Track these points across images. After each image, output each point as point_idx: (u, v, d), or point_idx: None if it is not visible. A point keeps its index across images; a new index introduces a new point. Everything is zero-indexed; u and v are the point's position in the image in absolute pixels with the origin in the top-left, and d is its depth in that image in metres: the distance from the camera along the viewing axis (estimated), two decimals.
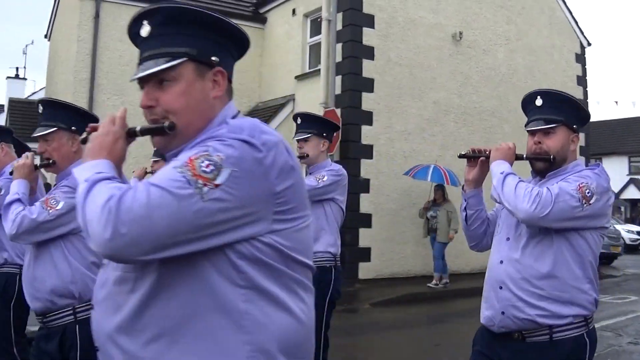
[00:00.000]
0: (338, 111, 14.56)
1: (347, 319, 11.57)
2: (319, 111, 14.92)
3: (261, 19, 19.18)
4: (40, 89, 32.37)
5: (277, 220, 1.89)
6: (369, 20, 15.53)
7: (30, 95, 32.71)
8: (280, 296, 1.90)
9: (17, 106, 20.28)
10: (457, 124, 16.70)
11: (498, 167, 3.47)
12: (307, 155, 5.58)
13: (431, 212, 14.56)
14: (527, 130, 3.59)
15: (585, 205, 3.21)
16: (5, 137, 5.66)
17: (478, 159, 3.68)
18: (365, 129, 15.21)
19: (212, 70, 2.03)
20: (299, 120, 5.74)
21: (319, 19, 16.04)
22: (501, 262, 3.47)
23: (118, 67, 16.95)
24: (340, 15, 15.47)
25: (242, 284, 1.84)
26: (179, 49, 1.98)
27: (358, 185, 14.87)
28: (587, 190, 3.23)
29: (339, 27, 15.44)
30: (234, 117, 2.04)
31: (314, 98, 15.44)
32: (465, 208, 3.83)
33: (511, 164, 3.50)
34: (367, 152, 15.10)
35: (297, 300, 1.96)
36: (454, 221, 14.02)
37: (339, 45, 15.37)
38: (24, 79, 33.29)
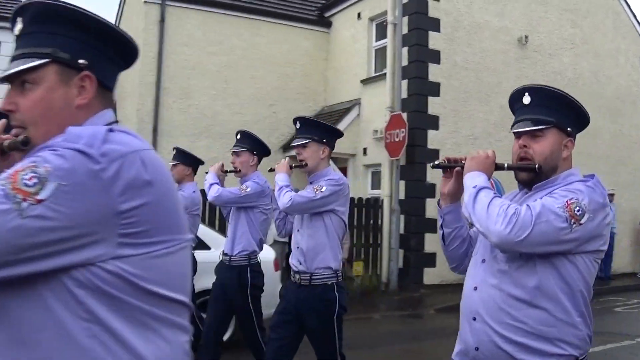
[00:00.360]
0: (404, 115, 14.48)
1: (412, 325, 11.59)
2: (385, 115, 14.94)
3: (326, 23, 19.20)
4: None
5: (123, 245, 1.60)
6: (435, 24, 15.45)
7: None
8: (126, 335, 1.62)
9: None
10: None
11: (471, 179, 2.92)
12: (306, 164, 5.25)
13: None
14: (513, 133, 3.05)
15: (574, 225, 2.68)
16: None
17: (453, 170, 3.15)
18: (431, 133, 15.13)
19: (78, 74, 1.79)
20: (298, 125, 5.38)
21: (384, 23, 16.02)
22: (475, 288, 2.96)
23: (184, 70, 17.14)
24: (405, 19, 15.43)
25: (84, 317, 1.58)
26: (44, 49, 1.76)
27: (424, 190, 14.83)
28: (577, 208, 2.69)
29: (405, 30, 15.39)
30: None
31: (379, 102, 15.44)
32: (441, 226, 3.31)
33: (489, 176, 2.96)
34: (433, 156, 14.87)
35: (154, 340, 1.68)
36: None
37: (405, 49, 15.31)
38: None
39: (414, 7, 15.29)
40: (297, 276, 5.18)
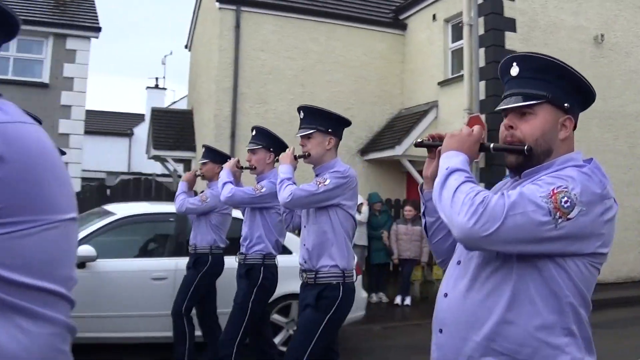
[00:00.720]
0: (483, 117, 14.42)
1: None
2: (463, 117, 14.91)
3: (401, 25, 19.19)
4: (181, 98, 33.60)
5: None
6: (511, 24, 15.33)
7: (171, 104, 34.07)
8: None
9: (159, 115, 21.03)
10: (601, 129, 16.21)
11: (446, 160, 2.43)
12: (309, 154, 4.92)
13: None
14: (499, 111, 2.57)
15: (560, 220, 2.17)
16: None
17: (436, 149, 2.67)
18: None
19: None
20: (301, 114, 5.03)
21: (460, 24, 15.99)
22: (445, 295, 2.52)
23: (260, 76, 17.33)
24: (481, 20, 15.36)
25: None
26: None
27: None
28: (565, 199, 2.18)
29: (481, 31, 15.33)
30: None
31: (457, 104, 15.42)
32: (423, 214, 2.88)
33: (472, 157, 2.47)
34: None
35: (7, 331, 1.54)
36: None
37: (482, 50, 15.25)
38: (164, 88, 34.38)
39: (489, 7, 15.22)
40: (304, 275, 4.89)
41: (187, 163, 20.37)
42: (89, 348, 7.21)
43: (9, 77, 17.46)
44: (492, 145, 2.50)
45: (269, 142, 6.19)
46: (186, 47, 24.85)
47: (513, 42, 15.28)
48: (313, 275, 4.80)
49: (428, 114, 17.08)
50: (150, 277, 7.54)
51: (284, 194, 4.76)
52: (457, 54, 16.78)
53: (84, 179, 19.58)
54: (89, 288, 7.14)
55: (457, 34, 16.89)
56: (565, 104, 2.45)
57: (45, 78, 17.62)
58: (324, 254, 4.78)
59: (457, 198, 2.22)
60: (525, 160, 2.45)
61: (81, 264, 7.37)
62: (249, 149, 6.25)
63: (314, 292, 4.74)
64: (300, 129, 4.98)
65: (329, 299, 4.70)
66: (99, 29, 17.99)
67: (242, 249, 6.12)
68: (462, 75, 15.57)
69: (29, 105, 17.48)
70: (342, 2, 18.91)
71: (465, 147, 2.45)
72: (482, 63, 15.19)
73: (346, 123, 5.12)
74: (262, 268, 5.95)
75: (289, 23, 17.77)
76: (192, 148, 19.58)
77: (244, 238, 6.12)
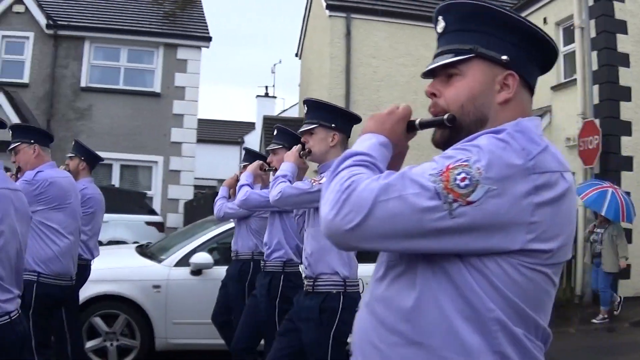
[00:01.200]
0: (597, 122, 14.05)
1: (605, 338, 11.27)
2: (577, 122, 14.55)
3: None
4: (291, 106, 33.97)
5: None
6: (622, 26, 14.88)
7: (281, 112, 34.48)
8: None
9: (270, 123, 21.42)
10: None
11: (356, 145, 1.93)
12: (310, 151, 4.57)
13: (593, 236, 12.66)
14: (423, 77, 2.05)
15: (456, 205, 1.60)
16: (43, 140, 5.67)
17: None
18: (624, 139, 14.55)
19: None
20: (305, 108, 4.68)
21: (571, 27, 15.60)
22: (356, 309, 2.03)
23: (372, 82, 17.44)
24: (592, 22, 14.95)
25: None
26: None
27: None
28: (463, 175, 1.61)
29: (592, 34, 14.91)
30: None
31: (571, 108, 15.05)
32: None
33: (393, 139, 1.96)
34: (627, 164, 14.47)
35: None
36: (622, 247, 12.17)
37: (594, 53, 14.83)
38: (274, 97, 34.85)
39: (600, 9, 14.81)
40: (305, 281, 4.59)
41: None
42: (206, 355, 7.46)
43: (120, 86, 18.28)
44: (418, 121, 1.98)
45: (290, 142, 5.73)
46: (296, 55, 25.21)
47: (625, 44, 14.83)
48: (312, 283, 4.45)
49: (542, 120, 16.56)
50: None
51: (274, 192, 4.47)
52: (569, 58, 16.35)
53: (196, 187, 20.18)
54: (205, 295, 7.37)
55: (568, 37, 16.45)
56: (503, 57, 1.86)
57: (156, 87, 18.36)
58: (323, 260, 4.39)
59: (333, 185, 1.73)
60: (451, 134, 1.89)
61: (198, 271, 7.66)
62: (269, 149, 6.05)
63: (313, 302, 4.40)
64: (303, 123, 4.65)
65: (327, 311, 4.34)
66: (209, 39, 18.57)
67: (265, 255, 5.83)
68: (574, 80, 15.17)
69: (140, 114, 18.34)
70: None
71: (385, 127, 1.95)
72: (594, 66, 14.77)
73: (354, 119, 4.72)
74: (282, 276, 5.58)
75: (399, 29, 17.79)
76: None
77: (264, 244, 5.87)
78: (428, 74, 1.98)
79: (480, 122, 1.86)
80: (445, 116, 1.87)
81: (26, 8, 18.79)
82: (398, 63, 17.65)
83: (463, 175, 1.60)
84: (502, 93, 1.86)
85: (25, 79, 18.81)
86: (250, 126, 35.91)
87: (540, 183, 1.65)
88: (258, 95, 34.57)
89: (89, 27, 19.13)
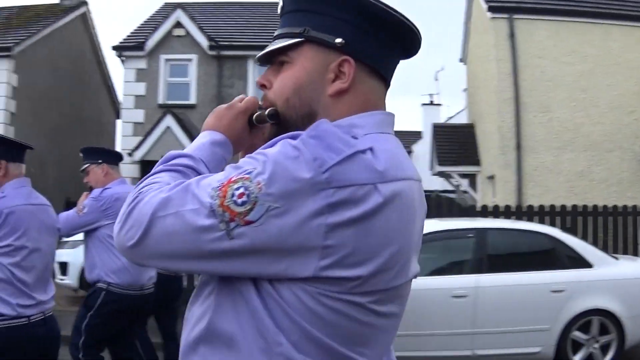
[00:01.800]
0: None
1: None
2: None
3: None
4: (457, 113, 33.77)
5: None
6: None
7: (447, 119, 34.25)
8: None
9: (440, 131, 21.27)
10: None
11: (195, 141, 1.68)
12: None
13: None
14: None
15: (233, 225, 1.34)
16: (111, 159, 5.91)
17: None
18: None
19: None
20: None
21: None
22: None
23: (541, 83, 16.82)
24: None
25: None
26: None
27: None
28: (241, 191, 1.35)
29: None
30: None
31: None
32: None
33: (234, 137, 1.67)
34: None
35: None
36: None
37: None
38: (439, 104, 34.58)
39: None
40: None
41: (471, 178, 20.25)
42: None
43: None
44: (255, 115, 1.66)
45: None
46: (461, 60, 24.87)
47: None
48: None
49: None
50: (450, 295, 7.53)
51: None
52: None
53: None
54: None
55: None
56: (337, 40, 1.54)
57: None
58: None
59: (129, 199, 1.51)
60: (279, 132, 1.55)
61: None
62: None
63: None
64: None
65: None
66: None
67: None
68: None
69: None
70: (616, 1, 17.65)
71: (222, 123, 1.68)
72: None
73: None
74: None
75: (562, 27, 17.12)
76: (476, 162, 19.54)
77: None
78: (263, 62, 1.69)
79: (308, 117, 1.54)
80: (267, 111, 1.60)
81: (187, 31, 19.63)
82: (564, 62, 16.85)
83: (242, 190, 1.34)
84: (336, 83, 1.55)
85: (192, 100, 19.65)
86: (416, 135, 35.77)
87: (337, 200, 1.33)
88: (423, 104, 34.47)
89: (250, 46, 19.71)
